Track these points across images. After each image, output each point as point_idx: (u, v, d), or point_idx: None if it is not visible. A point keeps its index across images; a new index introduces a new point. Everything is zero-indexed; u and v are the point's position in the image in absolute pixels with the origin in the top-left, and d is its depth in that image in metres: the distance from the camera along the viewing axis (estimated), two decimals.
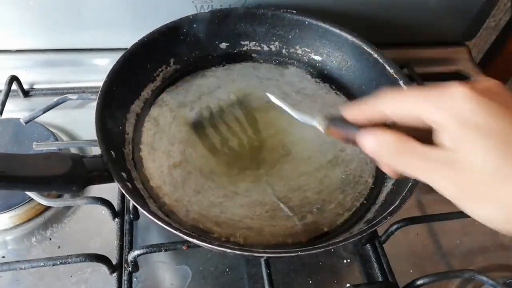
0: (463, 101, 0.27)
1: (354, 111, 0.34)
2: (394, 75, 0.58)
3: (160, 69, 0.62)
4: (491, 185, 0.26)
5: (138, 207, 0.42)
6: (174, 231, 0.41)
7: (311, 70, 0.68)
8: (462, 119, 0.27)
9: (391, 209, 0.45)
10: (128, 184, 0.47)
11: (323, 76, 0.67)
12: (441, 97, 0.28)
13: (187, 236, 0.41)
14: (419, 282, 0.49)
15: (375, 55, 0.60)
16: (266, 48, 0.68)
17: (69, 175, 0.40)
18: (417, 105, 0.29)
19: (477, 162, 0.26)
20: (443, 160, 0.28)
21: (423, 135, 0.30)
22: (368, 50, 0.61)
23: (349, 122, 0.35)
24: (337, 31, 0.63)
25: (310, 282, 0.52)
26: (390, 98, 0.31)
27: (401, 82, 0.57)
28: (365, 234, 0.43)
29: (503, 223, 0.27)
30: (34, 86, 0.70)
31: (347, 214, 0.52)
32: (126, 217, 0.54)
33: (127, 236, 0.52)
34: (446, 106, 0.27)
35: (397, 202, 0.45)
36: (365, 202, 0.54)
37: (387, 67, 0.59)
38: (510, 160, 0.26)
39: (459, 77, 0.82)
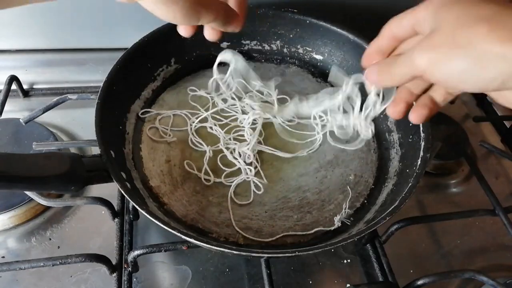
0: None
1: (371, 53, 0.41)
2: None
3: (160, 69, 0.62)
4: (459, 37, 0.29)
5: (137, 206, 0.42)
6: (173, 231, 0.41)
7: (312, 70, 0.68)
8: (436, 8, 0.32)
9: (390, 209, 0.45)
10: (127, 183, 0.47)
11: (325, 75, 0.67)
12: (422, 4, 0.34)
13: (185, 236, 0.41)
14: (419, 282, 0.49)
15: None
16: (267, 47, 0.68)
17: (68, 174, 0.40)
18: (410, 16, 0.36)
19: (447, 24, 0.30)
20: (426, 39, 0.32)
21: None
22: None
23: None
24: (338, 30, 0.63)
25: (310, 282, 0.52)
26: (392, 21, 0.39)
27: None
28: (364, 234, 0.43)
29: (472, 74, 0.30)
30: (34, 86, 0.70)
31: (347, 214, 0.52)
32: (126, 217, 0.54)
33: (127, 236, 0.52)
34: (425, 7, 0.34)
35: (396, 203, 0.45)
36: (365, 202, 0.54)
37: None
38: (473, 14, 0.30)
39: None
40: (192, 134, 0.58)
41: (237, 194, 0.53)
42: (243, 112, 0.60)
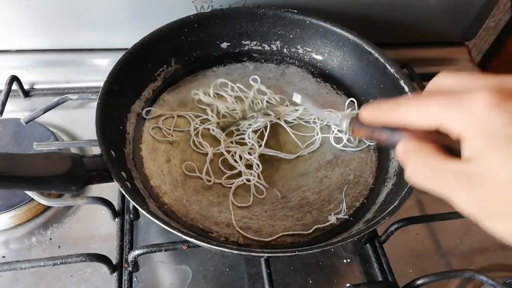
0: (487, 110, 0.25)
1: (372, 114, 0.33)
2: (395, 74, 0.58)
3: (161, 69, 0.62)
4: None
5: (137, 206, 0.42)
6: (173, 231, 0.41)
7: (312, 70, 0.68)
8: (485, 130, 0.25)
9: (390, 209, 0.45)
10: (128, 183, 0.47)
11: (324, 75, 0.67)
12: (465, 106, 0.26)
13: (185, 235, 0.41)
14: (419, 282, 0.49)
15: (376, 55, 0.60)
16: (267, 47, 0.68)
17: (68, 174, 0.40)
18: (439, 114, 0.27)
19: (501, 175, 0.24)
20: (463, 173, 0.26)
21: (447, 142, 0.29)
22: (369, 49, 0.61)
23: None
24: (338, 30, 0.63)
25: (310, 282, 0.52)
26: (412, 105, 0.29)
27: (402, 82, 0.57)
28: (363, 234, 0.44)
29: None
30: (35, 86, 0.70)
31: (347, 214, 0.52)
32: (126, 217, 0.54)
33: (127, 236, 0.52)
34: (469, 116, 0.26)
35: (396, 202, 0.45)
36: (365, 202, 0.54)
37: (388, 67, 0.59)
38: None
39: None
40: (195, 135, 0.58)
41: (237, 195, 0.53)
42: (244, 117, 0.60)
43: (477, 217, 0.27)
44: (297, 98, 0.45)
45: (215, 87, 0.63)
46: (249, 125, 0.59)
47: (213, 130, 0.59)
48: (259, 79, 0.64)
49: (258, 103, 0.62)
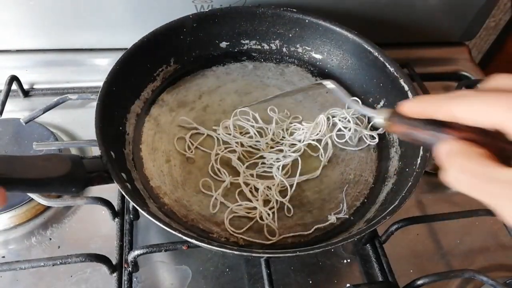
0: None
1: (417, 107, 0.31)
2: (395, 73, 0.58)
3: (160, 69, 0.62)
4: None
5: (138, 208, 0.42)
6: (174, 232, 0.41)
7: (311, 69, 0.68)
8: None
9: (390, 208, 0.45)
10: (128, 184, 0.47)
11: (324, 74, 0.67)
12: None
13: (186, 236, 0.41)
14: (419, 282, 0.49)
15: (376, 53, 0.60)
16: (266, 47, 0.68)
17: (68, 176, 0.40)
18: (504, 113, 0.25)
19: None
20: None
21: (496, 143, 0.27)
22: (368, 48, 0.61)
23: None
24: (338, 29, 0.63)
25: (310, 282, 0.52)
26: (465, 99, 0.27)
27: (401, 81, 0.57)
28: (364, 234, 0.44)
29: None
30: (34, 86, 0.70)
31: (347, 214, 0.52)
32: (126, 217, 0.54)
33: (127, 236, 0.52)
34: None
35: (396, 202, 0.45)
36: (365, 201, 0.54)
37: (388, 65, 0.59)
38: None
39: (459, 77, 0.82)
40: (215, 161, 0.55)
41: (239, 194, 0.53)
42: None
43: None
44: (329, 85, 0.43)
45: (234, 116, 0.60)
46: (277, 159, 0.56)
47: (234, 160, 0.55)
48: (276, 110, 0.61)
49: (280, 133, 0.59)
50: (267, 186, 0.53)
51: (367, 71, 0.63)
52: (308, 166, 0.57)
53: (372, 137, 0.59)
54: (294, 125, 0.60)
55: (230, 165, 0.56)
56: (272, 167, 0.55)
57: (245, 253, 0.43)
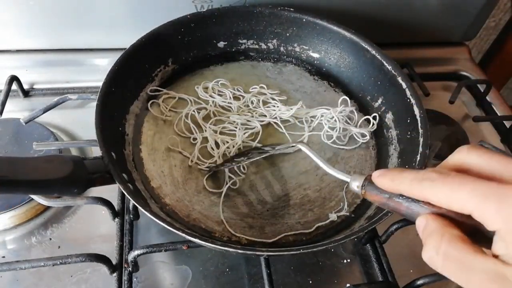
0: None
1: (391, 182, 0.30)
2: (393, 71, 0.58)
3: (158, 69, 0.62)
4: None
5: (141, 208, 0.42)
6: (177, 232, 0.41)
7: (309, 68, 0.68)
8: None
9: None
10: (130, 185, 0.47)
11: (322, 73, 0.67)
12: (505, 201, 0.23)
13: (189, 236, 0.41)
14: (419, 282, 0.49)
15: (373, 52, 0.60)
16: (264, 46, 0.68)
17: (70, 177, 0.40)
18: (477, 204, 0.25)
19: None
20: (492, 273, 0.24)
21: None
22: (365, 46, 0.61)
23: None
24: (335, 28, 0.63)
25: (310, 282, 0.52)
26: (443, 185, 0.26)
27: (399, 79, 0.57)
28: (366, 230, 0.43)
29: None
30: (34, 86, 0.70)
31: (348, 211, 0.52)
32: (126, 217, 0.54)
33: (127, 236, 0.52)
34: (508, 214, 0.23)
35: None
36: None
37: (385, 64, 0.59)
38: None
39: (459, 77, 0.82)
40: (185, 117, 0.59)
41: (239, 193, 0.53)
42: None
43: None
44: (303, 148, 0.47)
45: (216, 83, 0.63)
46: (242, 124, 0.59)
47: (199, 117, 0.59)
48: (265, 87, 0.64)
49: (253, 102, 0.62)
50: (226, 141, 0.57)
51: (364, 69, 0.63)
52: (278, 141, 0.59)
53: (363, 135, 0.59)
54: (274, 102, 0.62)
55: (199, 125, 0.59)
56: (236, 129, 0.58)
57: (249, 252, 0.43)
